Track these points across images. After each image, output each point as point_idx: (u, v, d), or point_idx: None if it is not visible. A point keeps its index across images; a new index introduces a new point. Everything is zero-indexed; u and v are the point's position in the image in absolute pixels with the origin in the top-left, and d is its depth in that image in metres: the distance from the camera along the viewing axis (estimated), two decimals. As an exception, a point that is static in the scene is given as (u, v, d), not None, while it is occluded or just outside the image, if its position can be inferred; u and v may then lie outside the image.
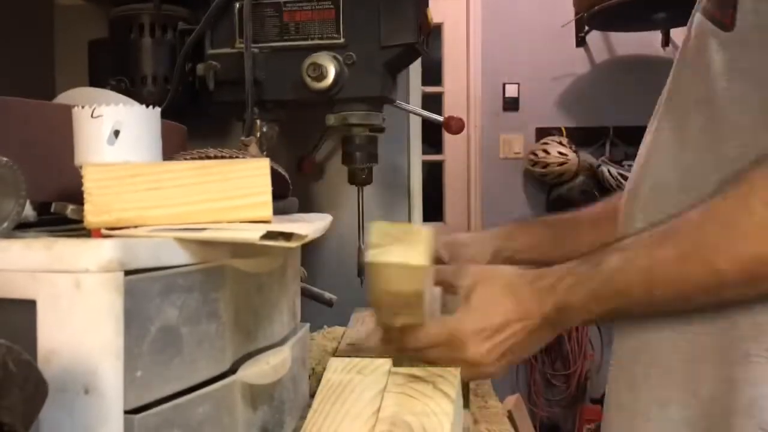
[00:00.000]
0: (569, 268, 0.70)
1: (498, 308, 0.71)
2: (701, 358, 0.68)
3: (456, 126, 1.16)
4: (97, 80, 1.07)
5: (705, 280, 0.63)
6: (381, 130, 1.02)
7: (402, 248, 0.65)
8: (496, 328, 0.70)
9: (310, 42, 0.94)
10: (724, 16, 0.68)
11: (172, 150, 0.70)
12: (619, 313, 0.70)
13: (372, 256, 0.63)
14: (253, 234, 0.47)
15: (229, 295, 0.52)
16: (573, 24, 3.21)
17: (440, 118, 1.17)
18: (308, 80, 0.91)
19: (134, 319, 0.42)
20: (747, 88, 0.66)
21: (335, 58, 0.92)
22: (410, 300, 0.68)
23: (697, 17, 0.72)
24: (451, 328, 0.71)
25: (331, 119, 0.98)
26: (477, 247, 0.97)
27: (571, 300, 0.69)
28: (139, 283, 0.43)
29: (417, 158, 1.30)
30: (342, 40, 0.93)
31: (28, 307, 0.41)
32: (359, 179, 1.02)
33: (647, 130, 0.79)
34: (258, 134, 0.97)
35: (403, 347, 0.72)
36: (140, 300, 0.43)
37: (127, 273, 0.42)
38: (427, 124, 1.24)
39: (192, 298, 0.48)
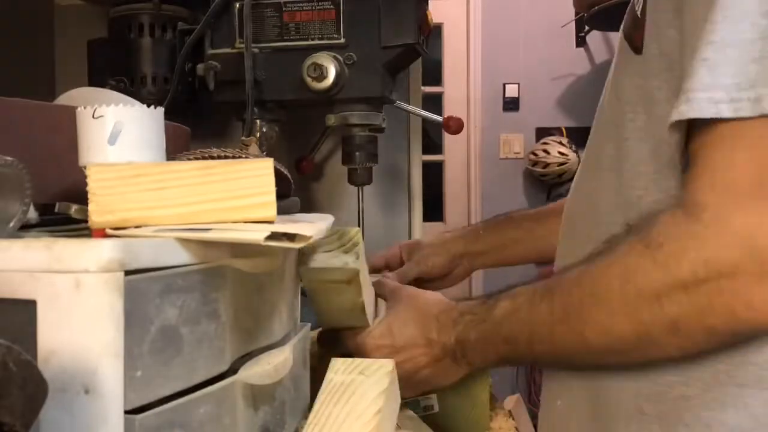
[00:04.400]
0: (471, 305, 0.70)
1: (404, 331, 0.73)
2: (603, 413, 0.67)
3: (455, 126, 1.16)
4: (96, 80, 1.07)
5: (574, 345, 0.62)
6: (381, 130, 1.02)
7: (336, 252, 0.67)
8: (398, 349, 0.72)
9: (310, 42, 0.94)
10: (636, 37, 0.64)
11: (175, 151, 0.70)
12: (511, 360, 0.70)
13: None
14: (257, 235, 0.46)
15: (228, 295, 0.52)
16: (573, 24, 3.21)
17: (439, 118, 1.17)
18: (308, 80, 0.91)
19: (134, 319, 0.42)
20: (648, 123, 0.62)
21: (335, 58, 0.92)
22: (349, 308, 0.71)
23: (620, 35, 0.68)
24: (358, 340, 0.74)
25: (332, 119, 0.98)
26: (436, 252, 0.99)
27: (467, 337, 0.69)
28: (140, 284, 0.43)
29: (417, 158, 1.30)
30: (342, 41, 0.93)
31: (28, 307, 0.41)
32: (359, 179, 1.02)
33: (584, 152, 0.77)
34: (258, 134, 0.97)
35: (331, 351, 0.75)
36: (140, 300, 0.43)
37: (128, 273, 0.42)
38: (426, 124, 1.24)
39: (192, 298, 0.47)
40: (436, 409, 0.79)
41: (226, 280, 0.51)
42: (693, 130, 0.55)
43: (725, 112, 0.51)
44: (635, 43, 0.63)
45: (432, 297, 0.76)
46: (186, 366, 0.47)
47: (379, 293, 0.81)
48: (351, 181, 1.03)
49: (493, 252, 1.00)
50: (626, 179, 0.64)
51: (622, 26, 0.67)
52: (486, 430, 0.81)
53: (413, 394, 0.76)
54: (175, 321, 0.46)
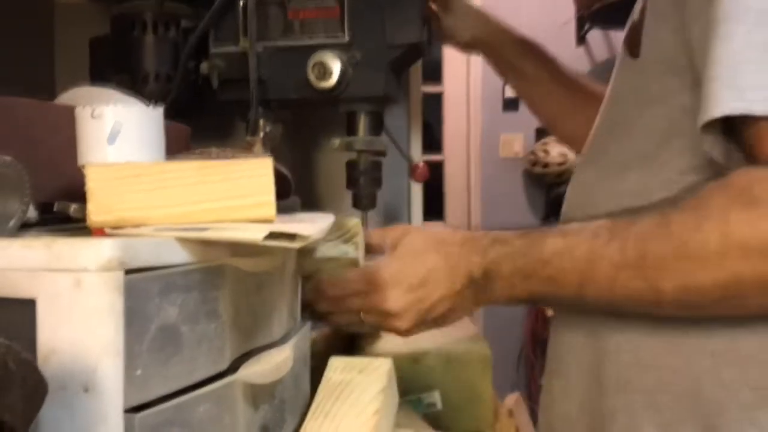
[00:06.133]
0: (506, 236, 0.65)
1: (424, 258, 0.66)
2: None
3: (421, 175, 1.21)
4: (98, 78, 1.07)
5: (642, 295, 0.59)
6: (384, 153, 1.02)
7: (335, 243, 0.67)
8: (420, 281, 0.65)
9: (314, 41, 0.94)
10: (632, 44, 0.67)
11: (176, 150, 0.70)
12: (544, 299, 0.66)
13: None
14: (256, 234, 0.46)
15: (228, 294, 0.52)
16: (573, 22, 3.21)
17: (414, 160, 1.23)
18: (313, 79, 0.91)
19: (134, 318, 0.42)
20: (654, 116, 0.64)
21: (340, 57, 0.92)
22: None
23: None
24: (370, 275, 0.67)
25: (336, 143, 0.97)
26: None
27: (499, 268, 0.64)
28: (139, 282, 0.43)
29: (417, 158, 1.30)
30: (347, 39, 0.93)
31: (28, 306, 0.41)
32: (363, 204, 1.01)
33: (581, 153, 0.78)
34: (261, 134, 0.97)
35: (328, 300, 0.69)
36: (140, 299, 0.43)
37: (127, 272, 0.42)
38: (427, 124, 1.24)
39: (191, 297, 0.48)
40: (439, 407, 0.79)
41: (226, 279, 0.51)
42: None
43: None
44: (632, 48, 0.67)
45: (447, 229, 0.71)
46: (185, 365, 0.47)
47: (371, 243, 0.74)
48: (355, 205, 1.01)
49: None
50: (627, 171, 0.67)
51: (624, 35, 0.72)
52: (490, 428, 0.81)
53: (425, 330, 0.70)
54: (175, 320, 0.46)
